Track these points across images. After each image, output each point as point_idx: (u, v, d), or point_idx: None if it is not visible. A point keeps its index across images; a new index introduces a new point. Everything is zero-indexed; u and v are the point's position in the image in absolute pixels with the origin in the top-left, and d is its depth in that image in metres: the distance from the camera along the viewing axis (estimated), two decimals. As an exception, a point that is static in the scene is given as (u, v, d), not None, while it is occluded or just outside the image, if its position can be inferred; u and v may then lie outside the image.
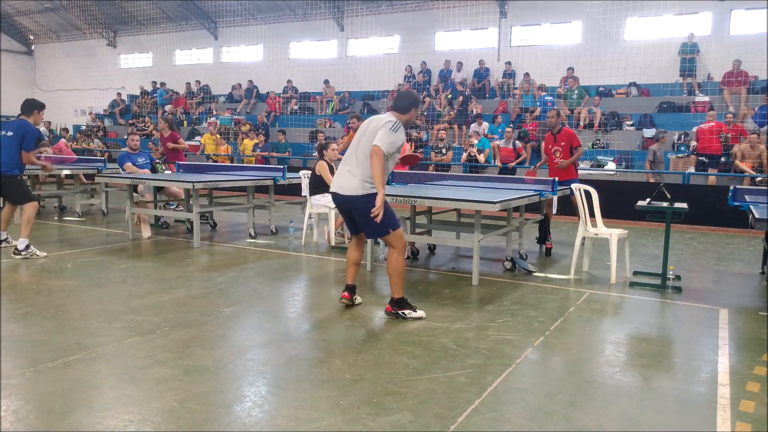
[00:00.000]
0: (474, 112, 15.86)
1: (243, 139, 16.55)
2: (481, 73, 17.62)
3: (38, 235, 8.17)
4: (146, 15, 23.52)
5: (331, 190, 4.58)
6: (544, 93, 15.02)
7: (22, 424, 2.81)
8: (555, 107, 8.01)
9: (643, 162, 13.08)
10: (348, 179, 4.47)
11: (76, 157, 11.80)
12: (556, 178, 7.35)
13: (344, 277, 6.11)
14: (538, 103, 14.92)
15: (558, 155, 7.88)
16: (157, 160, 9.82)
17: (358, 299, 4.99)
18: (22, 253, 6.62)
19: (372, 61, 19.67)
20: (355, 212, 4.52)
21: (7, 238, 7.20)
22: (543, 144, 8.39)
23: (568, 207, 8.70)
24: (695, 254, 8.08)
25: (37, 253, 6.71)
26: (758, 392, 3.41)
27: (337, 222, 7.90)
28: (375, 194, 4.36)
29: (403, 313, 4.55)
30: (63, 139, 14.84)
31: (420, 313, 4.61)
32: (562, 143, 7.87)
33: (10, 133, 6.82)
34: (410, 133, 15.25)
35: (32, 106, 6.91)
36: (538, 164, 8.54)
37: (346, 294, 4.87)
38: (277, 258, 7.04)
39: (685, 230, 10.25)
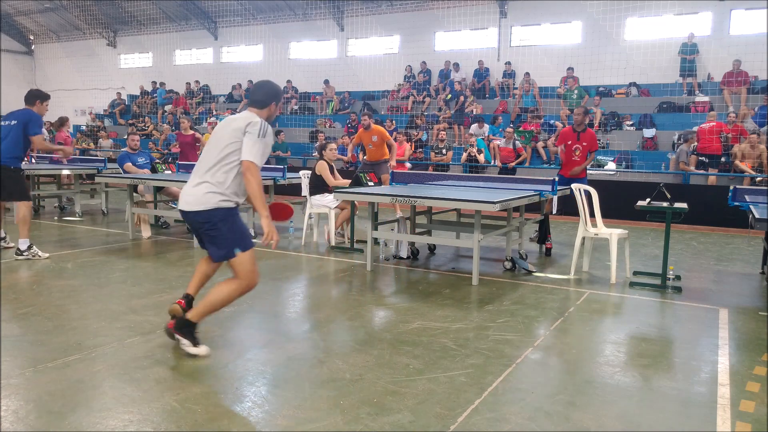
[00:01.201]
0: (474, 113, 15.87)
1: None
2: (481, 73, 17.63)
3: (38, 235, 8.17)
4: (146, 15, 23.53)
5: (179, 206, 3.76)
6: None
7: (22, 424, 2.81)
8: (583, 106, 7.95)
9: (643, 162, 13.09)
10: (194, 192, 3.62)
11: (72, 149, 11.56)
12: (556, 178, 7.35)
13: (344, 277, 6.14)
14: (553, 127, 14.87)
15: (577, 153, 7.94)
16: (157, 160, 9.83)
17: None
18: (24, 253, 6.50)
19: (372, 61, 19.68)
20: (201, 228, 3.66)
21: (5, 237, 7.07)
22: (558, 137, 8.41)
23: (568, 206, 8.71)
24: (695, 254, 8.08)
25: (40, 253, 6.58)
26: (758, 392, 3.41)
27: (337, 222, 7.90)
28: (227, 209, 3.61)
29: (180, 338, 3.70)
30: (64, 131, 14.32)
31: (199, 350, 3.70)
32: (584, 143, 7.92)
33: (13, 122, 6.57)
34: (410, 133, 15.26)
35: (35, 96, 6.72)
36: (562, 162, 8.54)
37: (180, 300, 3.97)
38: (277, 258, 7.03)
39: (685, 230, 10.25)
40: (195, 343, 3.71)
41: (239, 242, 3.63)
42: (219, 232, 3.61)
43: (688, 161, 11.88)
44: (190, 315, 3.73)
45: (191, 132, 10.87)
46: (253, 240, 4.06)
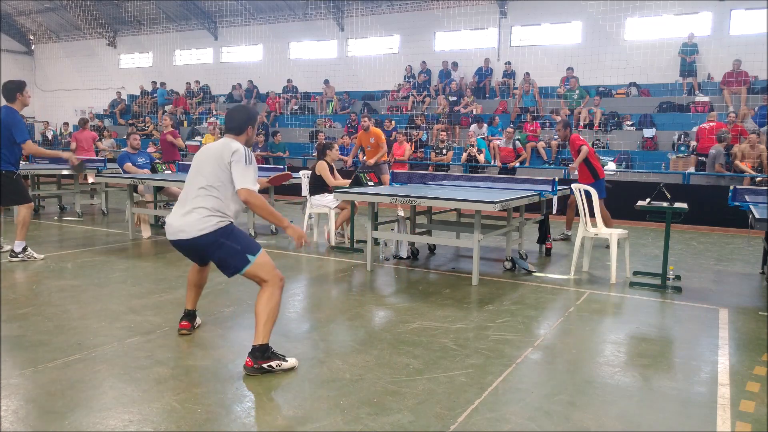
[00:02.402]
0: (474, 113, 15.87)
1: None
2: (484, 72, 17.62)
3: (38, 235, 8.18)
4: (146, 15, 23.53)
5: (172, 238, 3.70)
6: (558, 118, 14.94)
7: (22, 424, 2.81)
8: (560, 119, 8.18)
9: (643, 162, 13.07)
10: (186, 221, 3.60)
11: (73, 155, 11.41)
12: (556, 178, 7.37)
13: (344, 277, 6.14)
14: (551, 127, 14.82)
15: (574, 161, 8.41)
16: (157, 160, 9.83)
17: (199, 321, 4.34)
18: (19, 255, 6.45)
19: (372, 61, 19.68)
20: (208, 251, 3.66)
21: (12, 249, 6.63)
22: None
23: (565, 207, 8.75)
24: (695, 254, 8.08)
25: (35, 255, 6.53)
26: (758, 392, 3.41)
27: (337, 222, 7.91)
28: (225, 227, 3.61)
29: (270, 366, 3.50)
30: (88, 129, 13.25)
31: (292, 361, 3.61)
32: (573, 152, 8.47)
33: None
34: (410, 133, 15.26)
35: (13, 90, 6.29)
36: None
37: (185, 323, 4.15)
38: (277, 258, 7.03)
39: (685, 230, 10.25)
40: (283, 358, 3.58)
41: (247, 248, 3.61)
42: (225, 248, 3.59)
43: (724, 164, 11.54)
44: (260, 340, 3.54)
45: (169, 130, 11.15)
46: (252, 235, 4.11)
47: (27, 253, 6.51)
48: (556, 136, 13.98)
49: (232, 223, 3.69)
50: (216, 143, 3.73)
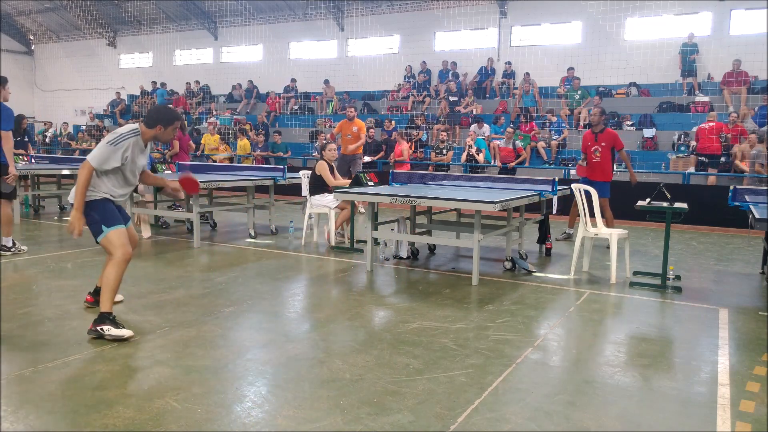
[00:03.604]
0: (474, 113, 15.87)
1: (239, 140, 16.66)
2: (487, 72, 17.61)
3: (38, 235, 8.19)
4: (146, 15, 23.52)
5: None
6: (554, 119, 14.94)
7: (22, 424, 2.81)
8: (598, 106, 8.03)
9: (643, 162, 13.06)
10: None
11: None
12: (556, 178, 7.36)
13: (344, 277, 6.14)
14: (549, 127, 14.83)
15: (597, 154, 8.04)
16: (157, 160, 9.83)
17: (120, 297, 4.72)
18: (11, 250, 6.70)
19: (372, 61, 19.68)
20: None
21: (3, 245, 6.69)
22: (582, 142, 8.54)
23: (568, 207, 8.73)
24: (695, 254, 8.08)
25: (22, 248, 6.83)
26: (758, 392, 3.41)
27: (337, 222, 7.90)
28: (93, 200, 4.07)
29: (101, 329, 3.93)
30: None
31: (123, 332, 3.96)
32: (603, 143, 8.03)
33: None
34: (411, 133, 15.27)
35: None
36: (582, 160, 8.61)
37: (89, 297, 4.65)
38: (277, 258, 7.04)
39: (685, 230, 10.25)
40: (117, 326, 3.99)
41: (106, 221, 4.08)
42: (90, 218, 4.07)
43: (765, 164, 11.25)
44: (102, 308, 4.04)
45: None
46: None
47: (17, 246, 6.80)
48: (558, 135, 13.99)
49: (104, 199, 4.12)
50: (126, 125, 4.24)
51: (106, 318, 4.00)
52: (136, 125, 4.19)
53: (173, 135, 4.36)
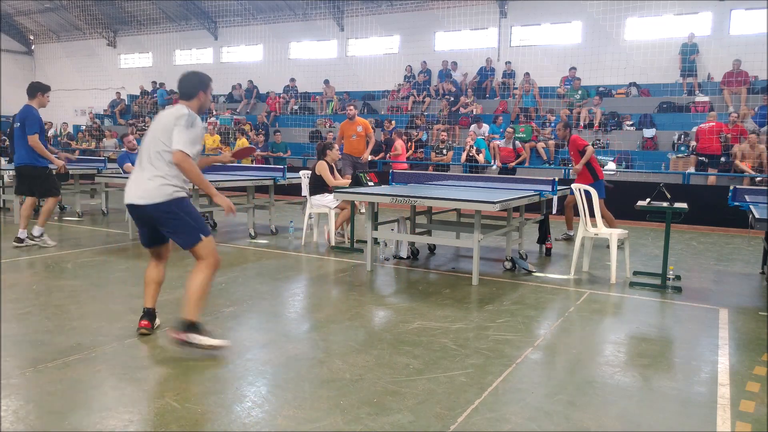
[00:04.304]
0: (474, 113, 15.86)
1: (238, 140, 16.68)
2: (487, 72, 17.61)
3: (38, 235, 8.19)
4: (146, 15, 23.52)
5: (128, 201, 3.82)
6: (553, 118, 14.93)
7: (22, 424, 2.81)
8: (560, 120, 8.15)
9: (643, 162, 13.07)
10: (143, 186, 3.74)
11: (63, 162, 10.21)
12: (556, 178, 7.37)
13: (344, 277, 6.14)
14: (550, 125, 14.83)
15: (573, 163, 8.41)
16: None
17: (158, 322, 4.26)
18: (36, 239, 7.14)
19: (372, 61, 19.67)
20: (160, 222, 3.77)
21: (27, 236, 7.19)
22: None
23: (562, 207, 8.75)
24: (695, 254, 8.08)
25: (49, 241, 7.21)
26: (758, 392, 3.41)
27: (337, 222, 7.90)
28: (180, 198, 3.75)
29: (192, 338, 3.64)
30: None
31: (216, 341, 3.72)
32: (571, 152, 8.45)
33: (17, 125, 6.92)
34: (411, 133, 15.26)
35: (35, 89, 6.94)
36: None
37: (145, 322, 4.09)
38: (277, 258, 7.03)
39: (685, 230, 10.25)
40: (210, 335, 3.72)
41: (202, 229, 3.82)
42: (183, 221, 3.74)
43: None
44: (188, 316, 3.68)
45: None
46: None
47: (43, 238, 7.22)
48: (554, 136, 13.98)
49: (186, 197, 3.83)
50: (169, 109, 3.82)
51: (196, 326, 3.68)
52: (180, 106, 3.80)
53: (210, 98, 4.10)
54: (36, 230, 7.16)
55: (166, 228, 3.79)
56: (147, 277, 4.13)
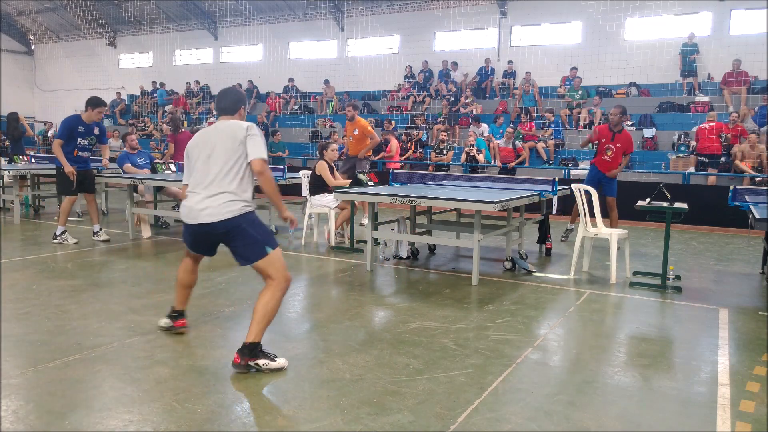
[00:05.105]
0: (474, 113, 15.87)
1: None
2: (486, 72, 17.61)
3: (38, 235, 8.20)
4: (146, 15, 23.52)
5: (193, 221, 3.67)
6: (552, 118, 14.91)
7: (22, 424, 2.81)
8: (620, 105, 7.80)
9: (643, 162, 13.07)
10: (211, 203, 3.59)
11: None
12: (556, 178, 7.36)
13: (344, 277, 6.14)
14: (549, 126, 14.81)
15: (609, 154, 7.92)
16: (157, 160, 9.83)
17: (167, 321, 4.21)
18: (58, 237, 7.53)
19: (372, 61, 19.67)
20: (229, 236, 3.64)
21: (98, 231, 7.84)
22: (593, 132, 8.25)
23: (568, 206, 8.73)
24: (695, 254, 8.08)
25: (69, 239, 7.53)
26: (758, 392, 3.41)
27: (337, 222, 7.90)
28: (251, 213, 3.66)
29: (257, 364, 3.48)
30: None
31: (281, 362, 3.56)
32: (618, 144, 7.91)
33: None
34: (411, 133, 15.26)
35: (86, 103, 7.50)
36: (585, 141, 8.55)
37: (182, 321, 4.15)
38: (277, 258, 7.02)
39: (685, 230, 10.25)
40: (272, 358, 3.55)
41: (269, 241, 3.66)
42: (249, 236, 3.61)
43: None
44: (251, 338, 3.51)
45: (169, 132, 11.23)
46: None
47: (64, 236, 7.54)
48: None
49: (254, 211, 3.71)
50: (218, 126, 3.73)
51: (259, 350, 3.52)
52: (232, 120, 3.76)
53: None
54: (58, 229, 7.60)
55: (233, 243, 3.66)
56: (182, 280, 4.08)
